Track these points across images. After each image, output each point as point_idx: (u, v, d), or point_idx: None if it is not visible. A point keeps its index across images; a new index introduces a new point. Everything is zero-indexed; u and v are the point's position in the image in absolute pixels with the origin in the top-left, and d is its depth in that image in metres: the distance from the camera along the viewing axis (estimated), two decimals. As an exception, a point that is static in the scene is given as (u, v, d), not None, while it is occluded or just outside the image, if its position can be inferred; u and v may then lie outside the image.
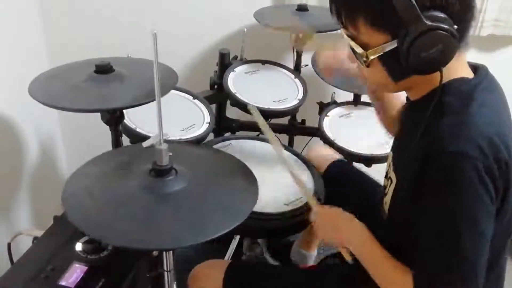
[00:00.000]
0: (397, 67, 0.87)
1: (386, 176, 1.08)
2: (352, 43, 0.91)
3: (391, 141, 1.12)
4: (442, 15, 0.81)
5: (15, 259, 1.23)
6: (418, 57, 0.82)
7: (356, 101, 1.77)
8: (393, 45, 0.85)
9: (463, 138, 0.82)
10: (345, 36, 0.93)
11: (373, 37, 0.87)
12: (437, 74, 0.85)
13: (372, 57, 0.89)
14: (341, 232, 1.07)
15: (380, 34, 0.86)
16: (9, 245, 1.34)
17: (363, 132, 1.63)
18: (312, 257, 1.65)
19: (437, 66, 0.84)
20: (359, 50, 0.90)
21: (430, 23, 0.80)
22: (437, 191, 0.84)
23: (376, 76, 0.93)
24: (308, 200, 1.19)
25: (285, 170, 1.32)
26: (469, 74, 0.92)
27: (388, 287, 0.94)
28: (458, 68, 0.90)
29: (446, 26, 0.81)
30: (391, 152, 1.07)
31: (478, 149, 0.80)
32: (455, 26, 0.82)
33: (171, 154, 0.94)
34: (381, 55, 0.87)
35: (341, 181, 1.41)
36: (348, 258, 1.05)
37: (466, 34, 0.88)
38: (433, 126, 0.85)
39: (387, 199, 1.02)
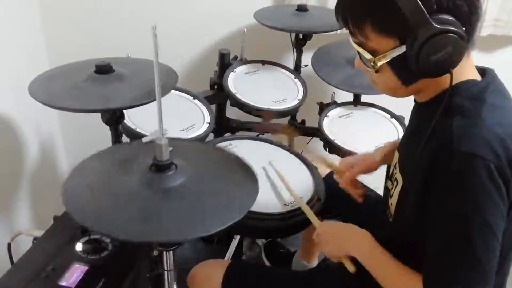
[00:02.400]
0: (407, 71, 0.87)
1: (389, 178, 1.07)
2: (361, 50, 0.91)
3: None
4: (450, 17, 0.81)
5: (15, 259, 1.23)
6: (428, 60, 0.82)
7: (356, 101, 1.77)
8: (401, 50, 0.85)
9: (475, 138, 0.81)
10: (353, 43, 0.93)
11: (381, 43, 0.87)
12: (447, 76, 0.85)
13: (381, 63, 0.89)
14: (346, 245, 1.06)
15: (389, 39, 0.86)
16: (9, 245, 1.34)
17: (363, 132, 1.63)
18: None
19: (447, 68, 0.84)
20: (368, 56, 0.90)
21: (438, 26, 0.80)
22: (448, 192, 0.83)
23: (386, 81, 0.93)
24: (310, 219, 1.19)
25: (285, 169, 1.33)
26: (477, 77, 0.92)
27: None
28: (467, 70, 0.90)
29: (454, 29, 0.81)
30: (397, 153, 1.06)
31: (490, 150, 0.80)
32: (463, 28, 0.82)
33: (171, 149, 0.94)
34: (390, 60, 0.88)
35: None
36: (351, 269, 1.04)
37: (474, 36, 0.87)
38: (443, 127, 0.85)
39: (393, 201, 1.02)
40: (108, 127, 1.31)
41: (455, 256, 0.82)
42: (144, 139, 0.96)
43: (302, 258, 1.66)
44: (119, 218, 0.87)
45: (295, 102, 1.68)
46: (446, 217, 0.83)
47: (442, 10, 0.81)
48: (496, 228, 0.82)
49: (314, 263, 1.65)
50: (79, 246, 1.19)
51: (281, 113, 1.67)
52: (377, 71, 0.91)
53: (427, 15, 0.80)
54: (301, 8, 1.80)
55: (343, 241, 1.07)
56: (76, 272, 1.12)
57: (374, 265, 0.99)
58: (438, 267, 0.85)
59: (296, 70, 1.88)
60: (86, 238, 1.21)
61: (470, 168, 0.79)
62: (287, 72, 1.82)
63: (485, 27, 1.89)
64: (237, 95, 1.63)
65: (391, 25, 0.85)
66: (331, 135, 1.59)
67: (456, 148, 0.81)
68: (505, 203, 0.82)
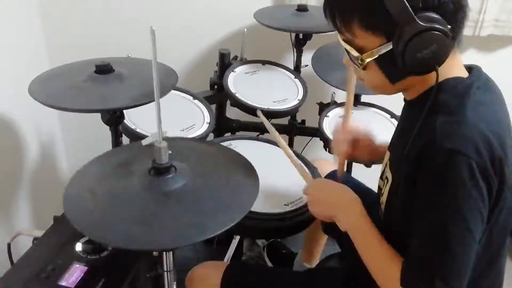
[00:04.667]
0: (394, 68, 0.87)
1: (381, 176, 1.08)
2: (348, 47, 0.92)
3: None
4: (435, 15, 0.82)
5: (15, 259, 1.23)
6: (413, 58, 0.83)
7: (356, 101, 1.77)
8: (388, 47, 0.86)
9: (458, 136, 0.82)
10: (341, 41, 0.94)
11: (368, 40, 0.88)
12: (433, 74, 0.86)
13: (368, 60, 0.89)
14: (334, 209, 1.05)
15: (375, 37, 0.87)
16: (9, 245, 1.34)
17: (363, 132, 1.63)
18: None
19: (432, 66, 0.85)
20: (355, 53, 0.91)
21: (423, 24, 0.81)
22: (430, 188, 0.84)
23: (373, 79, 0.94)
24: (302, 176, 1.18)
25: (285, 169, 1.32)
26: (464, 74, 0.92)
27: (377, 275, 0.94)
28: (454, 67, 0.91)
29: (439, 26, 0.82)
30: (388, 152, 1.07)
31: (473, 147, 0.80)
32: (449, 26, 0.83)
33: (170, 152, 0.94)
34: (377, 57, 0.88)
35: None
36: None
37: (460, 33, 0.88)
38: (429, 125, 0.85)
39: (384, 199, 1.02)
40: (108, 127, 1.31)
41: (431, 250, 0.84)
42: (143, 142, 0.96)
43: (304, 259, 1.66)
44: (120, 225, 0.87)
45: (295, 102, 1.68)
46: (426, 212, 0.84)
47: (428, 8, 0.82)
48: (474, 226, 0.82)
49: (315, 265, 1.65)
50: (79, 246, 1.19)
51: (281, 113, 1.67)
52: (364, 68, 0.92)
53: (412, 12, 0.81)
54: (301, 8, 1.80)
55: (331, 204, 1.06)
56: (76, 272, 1.12)
57: (358, 234, 0.99)
58: (415, 260, 0.86)
59: (296, 70, 1.88)
60: (86, 238, 1.21)
61: (452, 165, 0.80)
62: (287, 72, 1.82)
63: (485, 27, 1.89)
64: (237, 95, 1.63)
65: (378, 22, 0.85)
66: (331, 135, 1.59)
67: (439, 145, 0.81)
68: (485, 201, 0.82)
